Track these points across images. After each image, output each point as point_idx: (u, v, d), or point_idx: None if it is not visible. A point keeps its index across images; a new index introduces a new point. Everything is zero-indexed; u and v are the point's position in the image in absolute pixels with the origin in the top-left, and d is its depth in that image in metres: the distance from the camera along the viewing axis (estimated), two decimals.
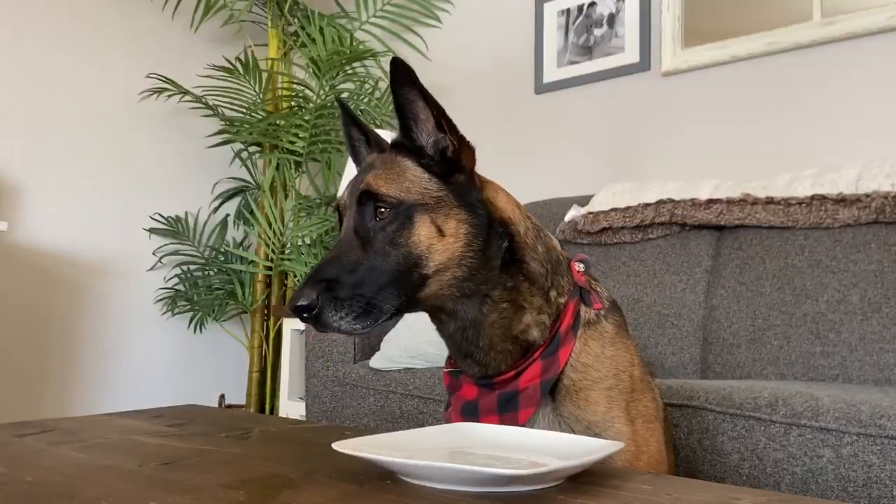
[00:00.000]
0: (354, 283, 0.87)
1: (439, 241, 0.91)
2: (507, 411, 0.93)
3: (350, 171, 2.77)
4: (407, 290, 0.90)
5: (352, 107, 3.15)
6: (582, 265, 1.03)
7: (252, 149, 3.31)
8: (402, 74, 0.91)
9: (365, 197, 0.92)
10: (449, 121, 0.95)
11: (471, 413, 0.97)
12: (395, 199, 0.91)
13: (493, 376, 0.96)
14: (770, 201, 1.93)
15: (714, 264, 1.99)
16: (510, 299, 0.95)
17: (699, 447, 1.31)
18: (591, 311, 0.99)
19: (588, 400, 0.93)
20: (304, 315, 0.86)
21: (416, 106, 0.93)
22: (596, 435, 0.91)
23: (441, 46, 3.21)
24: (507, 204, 0.99)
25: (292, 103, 3.29)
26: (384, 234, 0.90)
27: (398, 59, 0.91)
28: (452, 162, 0.95)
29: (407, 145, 0.95)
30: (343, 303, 0.86)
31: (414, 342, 1.92)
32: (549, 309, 0.97)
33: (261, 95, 3.19)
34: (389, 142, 1.01)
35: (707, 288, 1.96)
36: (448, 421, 1.02)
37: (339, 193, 2.82)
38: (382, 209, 0.91)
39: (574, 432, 0.92)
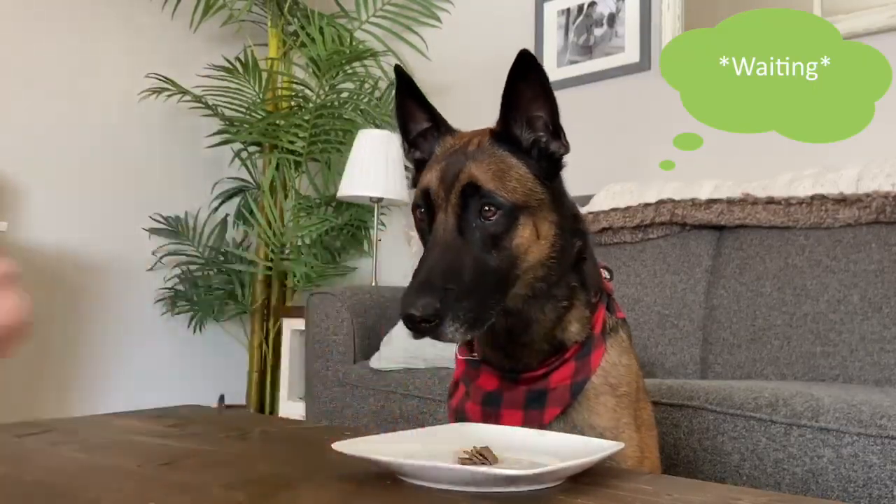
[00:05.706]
0: (466, 290, 0.82)
1: (535, 244, 0.89)
2: (533, 408, 0.92)
3: (352, 170, 2.76)
4: (504, 292, 0.88)
5: (351, 107, 3.18)
6: (607, 273, 1.03)
7: (252, 149, 3.30)
8: (527, 67, 0.88)
9: (471, 189, 0.87)
10: (560, 123, 0.93)
11: (492, 404, 0.95)
12: (504, 199, 0.87)
13: (521, 371, 0.94)
14: (770, 201, 1.93)
15: (714, 264, 1.99)
16: (567, 297, 0.94)
17: (699, 447, 1.31)
18: (613, 318, 0.99)
19: (605, 406, 0.94)
20: (423, 325, 0.80)
21: (531, 101, 0.90)
22: None
23: (441, 46, 3.21)
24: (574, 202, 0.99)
25: (292, 103, 3.28)
26: (489, 235, 0.87)
27: (526, 51, 0.87)
28: (555, 164, 0.93)
29: (506, 137, 0.92)
30: (459, 312, 0.81)
31: (414, 342, 1.91)
32: (590, 309, 0.96)
33: (260, 95, 3.18)
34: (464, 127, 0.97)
35: (707, 288, 1.96)
36: (455, 409, 1.02)
37: (342, 192, 2.82)
38: (489, 208, 0.86)
39: None
